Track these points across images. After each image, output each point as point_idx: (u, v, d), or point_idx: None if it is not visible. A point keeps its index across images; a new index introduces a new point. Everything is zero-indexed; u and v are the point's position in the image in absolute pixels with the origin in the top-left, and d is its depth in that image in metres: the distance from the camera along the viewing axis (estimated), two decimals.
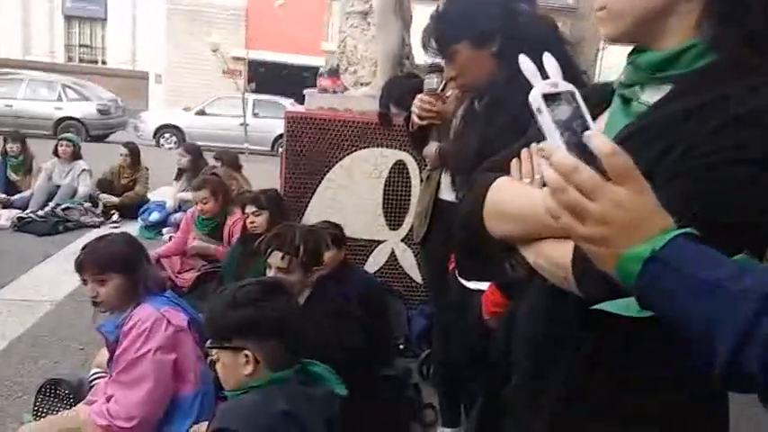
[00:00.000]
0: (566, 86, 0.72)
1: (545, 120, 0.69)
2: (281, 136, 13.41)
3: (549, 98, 0.70)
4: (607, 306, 0.73)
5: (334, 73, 3.75)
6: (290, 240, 2.22)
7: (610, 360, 0.87)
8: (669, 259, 0.63)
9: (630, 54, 0.93)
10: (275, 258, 2.21)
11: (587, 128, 0.68)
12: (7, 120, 12.22)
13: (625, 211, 0.65)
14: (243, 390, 1.52)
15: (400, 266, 3.66)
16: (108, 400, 2.02)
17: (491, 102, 1.55)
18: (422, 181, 3.51)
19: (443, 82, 2.20)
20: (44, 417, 2.29)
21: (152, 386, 1.96)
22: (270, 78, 20.57)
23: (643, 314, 0.69)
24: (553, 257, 0.87)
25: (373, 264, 3.62)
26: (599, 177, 0.65)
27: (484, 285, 1.58)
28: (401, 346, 3.36)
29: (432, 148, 2.25)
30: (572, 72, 1.59)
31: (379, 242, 3.62)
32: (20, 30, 23.49)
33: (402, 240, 3.63)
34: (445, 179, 2.28)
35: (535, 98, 0.71)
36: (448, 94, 2.22)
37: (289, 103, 14.56)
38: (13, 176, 6.26)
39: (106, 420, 1.96)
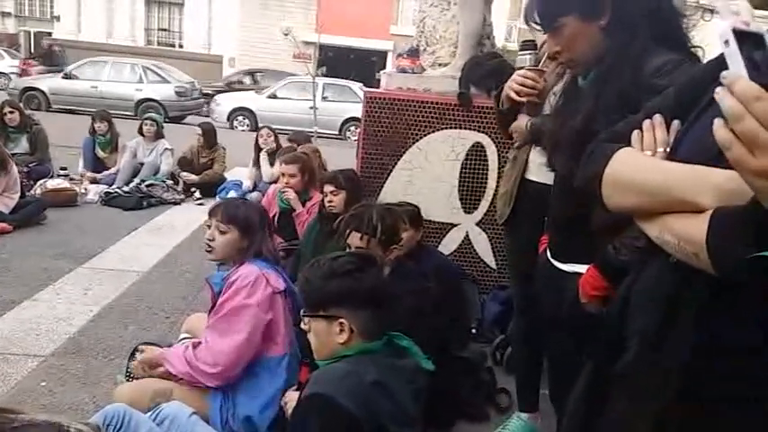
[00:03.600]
0: (757, 29, 0.73)
1: (732, 51, 0.71)
2: (348, 120, 13.82)
3: (738, 34, 0.71)
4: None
5: (413, 53, 3.73)
6: (367, 220, 2.24)
7: (735, 339, 0.83)
8: None
9: None
10: (354, 239, 2.24)
11: None
12: (93, 100, 12.90)
13: None
14: (334, 359, 1.55)
15: (474, 250, 3.62)
16: (194, 347, 2.14)
17: (599, 77, 1.49)
18: (502, 162, 3.47)
19: (542, 59, 2.14)
20: (136, 378, 2.42)
21: (243, 339, 2.07)
22: (338, 62, 20.74)
23: None
24: (683, 232, 0.83)
25: (447, 247, 3.59)
26: None
27: (581, 268, 1.54)
28: (474, 331, 3.34)
29: (522, 122, 2.19)
30: (683, 44, 1.51)
31: (454, 225, 3.59)
32: (104, 14, 24.62)
33: (477, 224, 3.59)
34: (534, 158, 2.23)
35: (725, 30, 0.72)
36: (546, 69, 2.16)
37: (358, 87, 14.67)
38: (100, 154, 6.59)
39: (185, 365, 2.08)
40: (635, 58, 1.44)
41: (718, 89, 0.70)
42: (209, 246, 2.22)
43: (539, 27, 1.63)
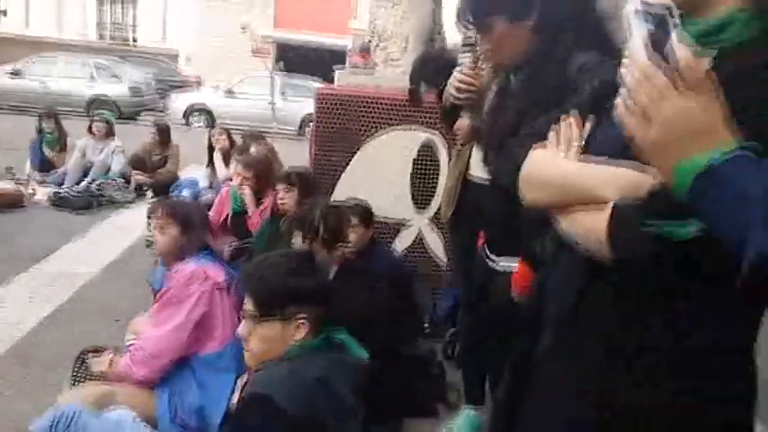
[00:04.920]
0: (660, 8, 0.78)
1: (634, 30, 0.76)
2: (308, 117, 13.72)
3: (643, 13, 0.77)
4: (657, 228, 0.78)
5: (365, 50, 3.74)
6: (309, 222, 2.26)
7: (644, 319, 0.88)
8: (723, 172, 0.68)
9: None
10: (297, 239, 2.26)
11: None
12: (42, 98, 12.48)
13: (691, 119, 0.71)
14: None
15: (427, 247, 3.66)
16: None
17: (528, 76, 1.53)
18: (450, 159, 3.52)
19: (479, 58, 2.19)
20: (83, 383, 2.38)
21: (175, 326, 2.09)
22: (298, 59, 20.57)
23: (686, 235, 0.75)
24: (587, 224, 0.88)
25: (399, 244, 3.62)
26: (672, 84, 0.71)
27: (512, 263, 1.58)
28: (426, 328, 3.38)
29: (464, 122, 2.24)
30: (610, 45, 1.56)
31: (406, 222, 3.63)
32: (53, 8, 23.83)
33: (429, 221, 3.63)
34: (476, 155, 2.27)
35: (628, 10, 0.78)
36: (483, 68, 2.20)
37: (317, 84, 14.60)
38: (48, 153, 6.41)
39: (126, 359, 2.10)
40: (560, 59, 1.48)
41: (623, 67, 0.77)
42: (151, 242, 2.25)
43: (470, 27, 1.66)
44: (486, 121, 1.79)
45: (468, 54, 2.18)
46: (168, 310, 2.10)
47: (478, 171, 2.26)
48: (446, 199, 2.39)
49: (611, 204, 0.85)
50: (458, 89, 2.13)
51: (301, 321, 1.53)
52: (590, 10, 1.58)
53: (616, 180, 0.86)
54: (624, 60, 0.79)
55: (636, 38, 0.76)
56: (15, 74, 13.63)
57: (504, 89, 1.73)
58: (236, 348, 2.19)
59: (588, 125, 1.04)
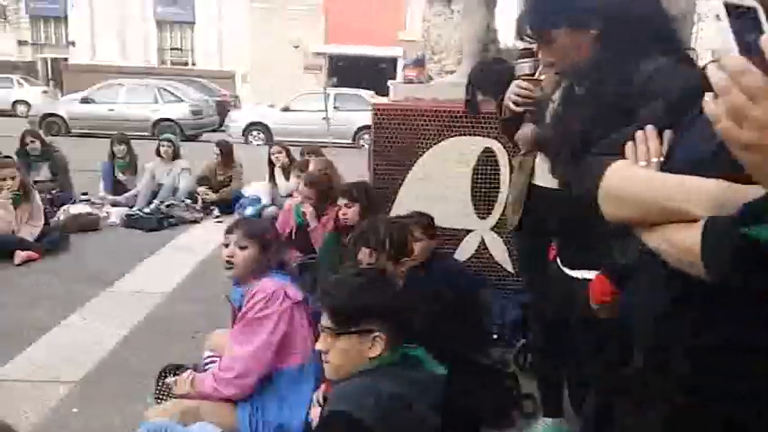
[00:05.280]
0: (750, 2, 0.73)
1: (723, 26, 0.72)
2: (361, 128, 13.89)
3: (731, 8, 0.72)
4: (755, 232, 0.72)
5: (419, 63, 3.77)
6: (374, 236, 2.29)
7: (735, 339, 0.85)
8: None
9: None
10: (363, 255, 2.29)
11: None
12: (110, 123, 13.15)
13: None
14: (351, 377, 1.58)
15: (490, 255, 3.64)
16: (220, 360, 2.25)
17: (593, 84, 1.51)
18: (512, 168, 3.49)
19: (538, 67, 2.17)
20: (165, 399, 2.49)
21: (258, 346, 2.15)
22: (348, 71, 20.87)
23: None
24: (678, 242, 0.86)
25: (463, 253, 3.62)
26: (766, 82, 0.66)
27: (589, 274, 1.56)
28: (495, 337, 3.34)
29: (526, 131, 2.22)
30: (679, 48, 1.52)
31: (468, 231, 3.62)
32: (117, 37, 25.07)
33: (492, 229, 3.61)
34: (540, 164, 2.25)
35: (717, 5, 0.74)
36: (542, 78, 2.19)
37: (369, 95, 14.76)
38: (120, 176, 6.74)
39: (211, 379, 2.17)
40: (627, 66, 1.46)
41: (710, 65, 0.72)
42: (229, 263, 2.29)
43: (531, 40, 1.66)
44: (551, 130, 1.77)
45: (526, 63, 2.18)
46: (251, 330, 2.16)
47: (543, 180, 2.23)
48: (512, 208, 2.37)
49: (702, 221, 0.81)
50: (515, 100, 2.12)
51: (377, 336, 1.57)
52: (657, 12, 1.55)
53: (706, 194, 0.83)
54: (707, 62, 0.75)
55: (725, 34, 0.72)
56: (85, 101, 14.42)
57: (568, 98, 1.72)
58: (314, 362, 2.25)
59: (667, 136, 1.02)
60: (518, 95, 2.11)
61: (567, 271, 1.69)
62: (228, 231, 2.34)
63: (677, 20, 1.56)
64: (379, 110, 3.54)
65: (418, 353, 1.66)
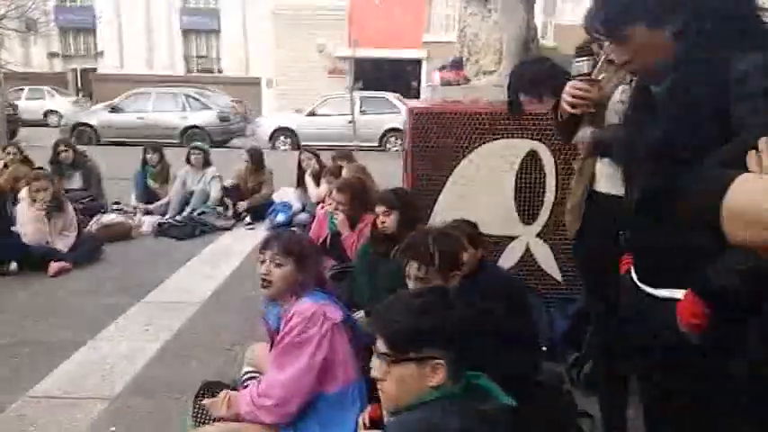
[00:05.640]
0: None
1: None
2: (388, 131, 13.79)
3: None
4: None
5: (457, 65, 3.63)
6: (423, 249, 2.15)
7: None
8: None
9: None
10: (412, 268, 2.15)
11: None
12: (139, 131, 13.28)
13: None
14: (410, 408, 1.45)
15: (536, 263, 3.48)
16: (258, 384, 2.11)
17: (676, 85, 1.36)
18: (557, 172, 3.33)
19: (598, 65, 2.03)
20: (204, 420, 2.39)
21: (299, 372, 2.01)
22: (373, 74, 20.81)
23: None
24: None
25: (507, 260, 3.46)
26: None
27: (676, 293, 1.40)
28: (544, 349, 3.18)
29: (586, 134, 2.07)
30: (766, 43, 1.36)
31: (513, 238, 3.46)
32: (144, 46, 25.43)
33: (537, 235, 3.45)
34: (601, 169, 2.10)
35: None
36: (601, 78, 2.04)
37: (395, 98, 14.65)
38: (152, 185, 6.73)
39: (250, 404, 2.04)
40: (716, 63, 1.30)
41: None
42: (266, 281, 2.15)
43: (602, 37, 1.51)
44: (623, 133, 1.62)
45: (584, 62, 2.03)
46: (290, 355, 2.03)
47: (605, 186, 2.08)
48: (571, 215, 2.22)
49: None
50: (572, 102, 1.98)
51: (438, 364, 1.43)
52: (740, 4, 1.39)
53: None
54: None
55: None
56: (114, 110, 14.59)
57: (641, 99, 1.56)
58: (358, 386, 2.13)
59: None
60: (574, 96, 1.97)
61: (646, 288, 1.53)
62: (264, 247, 2.19)
63: (764, 12, 1.39)
64: (416, 113, 3.41)
65: (483, 381, 1.51)
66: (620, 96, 1.93)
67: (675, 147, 1.35)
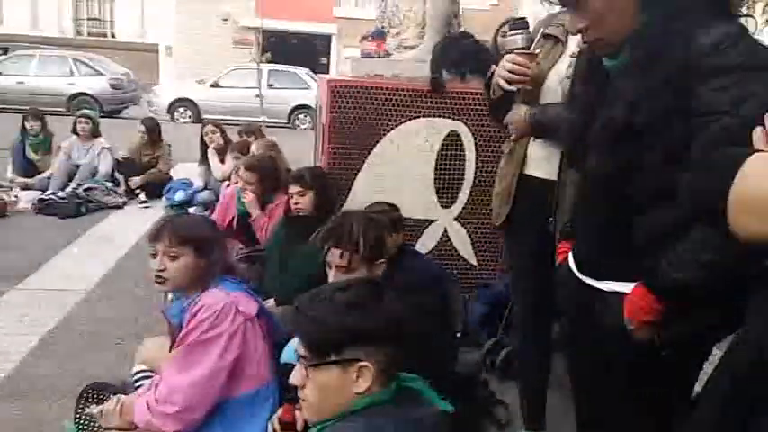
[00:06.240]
0: None
1: None
2: (297, 107, 13.34)
3: None
4: None
5: (379, 35, 3.42)
6: (347, 234, 1.94)
7: None
8: None
9: None
10: (334, 257, 1.94)
11: None
12: (20, 97, 12.00)
13: None
14: (336, 417, 1.26)
15: (453, 247, 3.38)
16: (156, 387, 1.83)
17: (639, 58, 1.23)
18: (477, 154, 3.23)
19: (532, 39, 1.90)
20: (87, 425, 2.08)
21: (204, 374, 1.76)
22: (281, 48, 20.11)
23: None
24: None
25: (424, 245, 3.34)
26: None
27: (623, 287, 1.30)
28: (458, 335, 3.10)
29: (519, 112, 1.94)
30: (734, 15, 1.27)
31: (431, 221, 3.34)
32: (27, 3, 23.10)
33: (455, 219, 3.35)
34: (534, 152, 1.99)
35: None
36: (538, 51, 1.91)
37: (305, 73, 14.20)
38: (32, 156, 6.02)
39: (146, 411, 1.77)
40: (684, 33, 1.19)
41: None
42: (160, 277, 1.87)
43: (558, 2, 1.36)
44: (570, 112, 1.49)
45: (520, 36, 1.89)
46: (195, 355, 1.76)
47: (539, 169, 1.97)
48: (499, 200, 2.10)
49: None
50: (508, 78, 1.84)
51: (363, 366, 1.24)
52: None
53: None
54: None
55: None
56: None
57: (589, 74, 1.44)
58: (271, 385, 1.91)
59: None
60: (511, 72, 1.83)
61: (587, 280, 1.42)
62: (153, 239, 1.88)
63: None
64: (335, 87, 3.17)
65: (416, 384, 1.34)
66: (566, 72, 1.80)
67: (634, 128, 1.23)
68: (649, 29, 1.23)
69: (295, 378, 1.30)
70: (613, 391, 1.41)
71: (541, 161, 1.97)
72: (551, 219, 1.94)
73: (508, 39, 1.93)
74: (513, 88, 1.85)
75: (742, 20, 1.27)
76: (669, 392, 1.34)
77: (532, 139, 1.98)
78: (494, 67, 2.08)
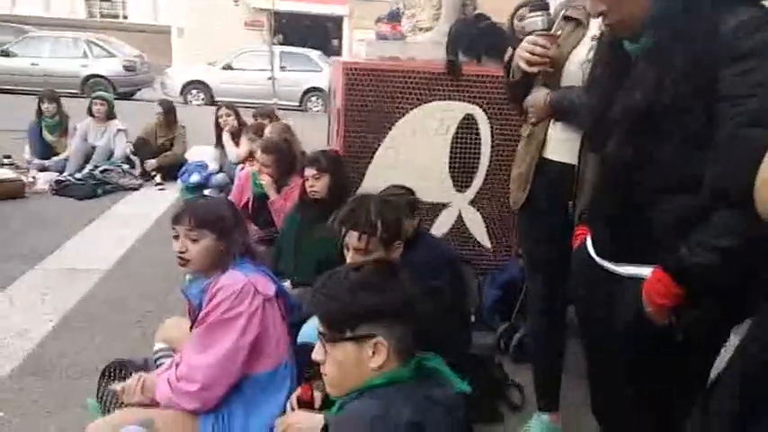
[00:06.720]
0: None
1: None
2: (309, 90, 13.29)
3: None
4: None
5: (395, 17, 3.40)
6: (365, 217, 1.95)
7: None
8: None
9: None
10: (352, 239, 1.96)
11: None
12: (34, 79, 12.07)
13: None
14: (355, 392, 1.29)
15: (467, 231, 3.39)
16: (177, 366, 1.87)
17: (662, 41, 1.23)
18: (493, 138, 3.22)
19: (553, 21, 1.88)
20: (109, 403, 2.13)
21: (226, 353, 1.80)
22: (292, 30, 20.00)
23: None
24: None
25: (439, 228, 3.35)
26: None
27: (640, 270, 1.31)
28: (472, 318, 3.12)
29: (539, 95, 1.93)
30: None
31: (445, 205, 3.34)
32: None
33: (470, 203, 3.35)
34: (554, 135, 1.98)
35: None
36: (559, 33, 1.90)
37: (317, 56, 14.13)
38: (48, 138, 6.06)
39: (168, 389, 1.82)
40: (708, 16, 1.18)
41: None
42: (182, 258, 1.90)
43: None
44: (589, 96, 1.49)
45: (540, 18, 1.88)
46: (215, 335, 1.79)
47: (558, 153, 1.97)
48: (517, 183, 2.10)
49: None
50: (528, 60, 1.83)
51: (378, 342, 1.27)
52: None
53: None
54: None
55: None
56: (5, 54, 13.14)
57: (611, 57, 1.43)
58: (289, 364, 1.94)
59: None
60: (532, 53, 1.82)
61: (605, 264, 1.43)
62: (175, 221, 1.92)
63: None
64: (350, 69, 3.16)
65: (434, 363, 1.37)
66: (587, 55, 1.79)
67: (655, 113, 1.23)
68: (670, 11, 1.22)
69: (317, 354, 1.34)
70: (619, 379, 1.43)
71: (561, 145, 1.96)
72: (571, 203, 1.93)
73: (528, 20, 1.92)
74: (534, 70, 1.84)
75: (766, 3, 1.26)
76: (669, 388, 1.36)
77: (552, 122, 1.98)
78: (511, 49, 2.08)
